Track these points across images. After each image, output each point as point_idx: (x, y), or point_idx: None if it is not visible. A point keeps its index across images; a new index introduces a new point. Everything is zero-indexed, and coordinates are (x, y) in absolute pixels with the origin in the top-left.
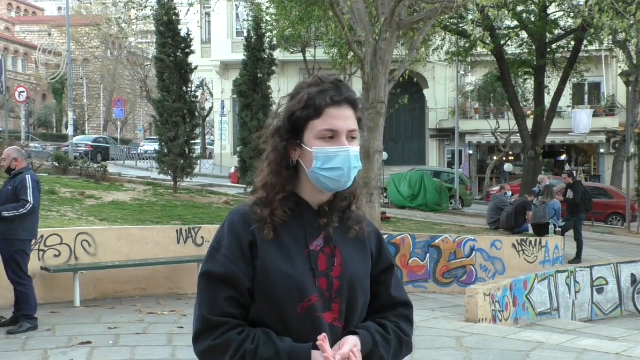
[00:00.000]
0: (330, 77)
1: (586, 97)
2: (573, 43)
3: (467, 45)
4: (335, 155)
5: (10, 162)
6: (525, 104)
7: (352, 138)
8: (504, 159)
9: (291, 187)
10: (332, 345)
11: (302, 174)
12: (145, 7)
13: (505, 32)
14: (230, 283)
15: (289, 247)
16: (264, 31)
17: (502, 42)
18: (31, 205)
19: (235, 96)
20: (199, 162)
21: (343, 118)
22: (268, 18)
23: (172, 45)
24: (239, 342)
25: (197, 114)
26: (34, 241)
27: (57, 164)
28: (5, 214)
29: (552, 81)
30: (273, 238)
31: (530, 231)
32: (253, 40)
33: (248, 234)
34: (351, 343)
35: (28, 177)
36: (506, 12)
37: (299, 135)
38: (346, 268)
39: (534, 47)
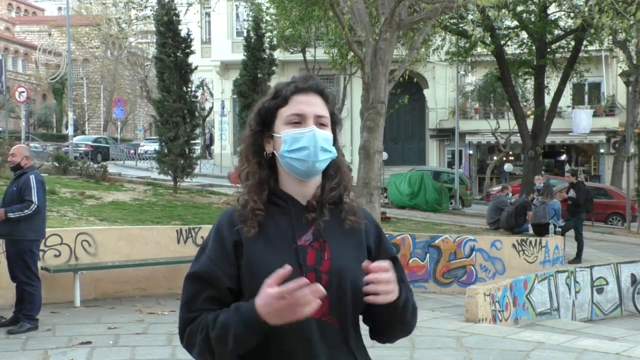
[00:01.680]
0: (303, 74)
1: (586, 97)
2: (573, 43)
3: (467, 45)
4: (301, 136)
5: (21, 159)
6: (525, 104)
7: (323, 124)
8: (504, 159)
9: (265, 178)
10: (321, 339)
11: (280, 168)
12: (145, 7)
13: (505, 32)
14: (211, 283)
15: (275, 243)
16: (263, 31)
17: (502, 42)
18: (35, 206)
19: (235, 96)
20: (199, 162)
21: (310, 104)
22: (268, 18)
23: (172, 45)
24: (205, 317)
25: (197, 114)
26: (42, 241)
27: (57, 164)
28: (11, 215)
29: (552, 81)
30: (259, 235)
31: (530, 231)
32: (253, 40)
33: (233, 234)
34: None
35: (32, 178)
36: (506, 12)
37: (270, 127)
38: (336, 262)
39: (534, 47)
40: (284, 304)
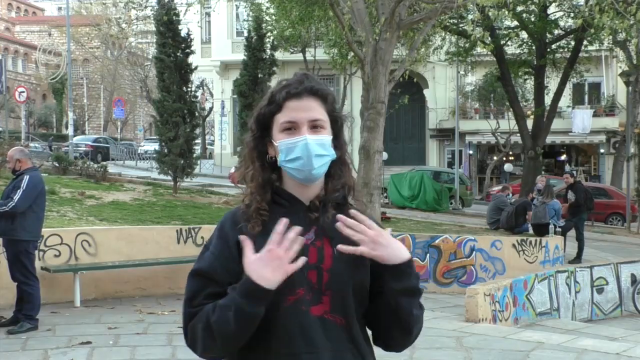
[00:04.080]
0: (300, 73)
1: (586, 97)
2: (573, 43)
3: (467, 45)
4: (294, 146)
5: (14, 164)
6: (525, 104)
7: (319, 127)
8: (504, 159)
9: (269, 179)
10: (325, 337)
11: (283, 170)
12: (145, 7)
13: (505, 32)
14: (214, 280)
15: None
16: (264, 31)
17: (502, 42)
18: (13, 204)
19: (235, 96)
20: (199, 162)
21: (303, 109)
22: (268, 18)
23: (172, 45)
24: (205, 308)
25: (197, 114)
26: (38, 242)
27: (57, 164)
28: None
29: (552, 81)
30: (262, 234)
31: (530, 231)
32: (254, 40)
33: (235, 232)
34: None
35: (26, 178)
36: (506, 12)
37: (269, 132)
38: (338, 260)
39: (534, 47)
40: (269, 257)
